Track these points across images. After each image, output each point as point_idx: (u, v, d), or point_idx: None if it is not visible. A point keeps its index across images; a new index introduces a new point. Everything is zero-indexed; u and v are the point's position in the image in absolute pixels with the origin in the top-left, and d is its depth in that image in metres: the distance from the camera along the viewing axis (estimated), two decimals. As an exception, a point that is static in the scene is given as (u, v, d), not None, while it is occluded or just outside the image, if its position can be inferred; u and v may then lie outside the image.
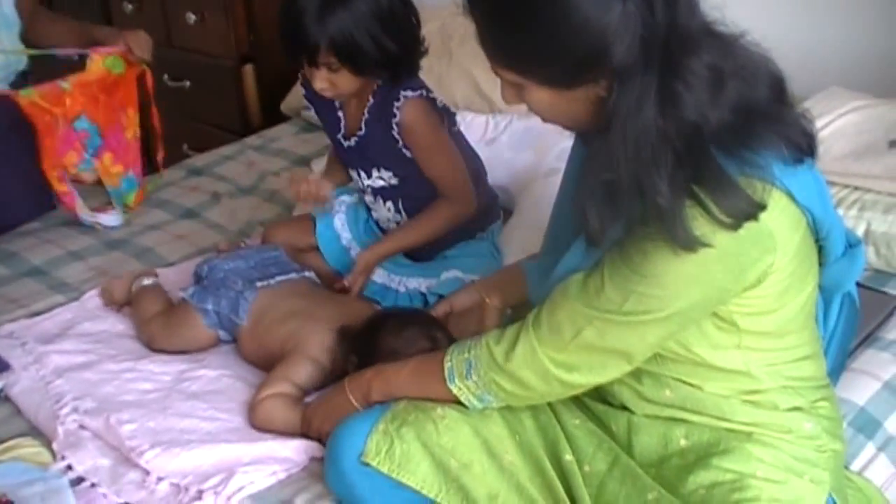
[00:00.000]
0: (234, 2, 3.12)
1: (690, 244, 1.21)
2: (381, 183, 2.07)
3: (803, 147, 1.31)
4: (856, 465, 1.58)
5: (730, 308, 1.32)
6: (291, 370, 1.75)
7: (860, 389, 1.70)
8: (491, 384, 1.42)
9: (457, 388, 1.45)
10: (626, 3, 1.17)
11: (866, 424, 1.64)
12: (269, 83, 3.22)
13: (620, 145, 1.20)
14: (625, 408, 1.45)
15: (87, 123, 2.41)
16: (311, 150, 2.79)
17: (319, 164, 2.49)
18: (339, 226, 2.19)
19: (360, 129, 2.02)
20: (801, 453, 1.38)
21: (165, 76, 3.39)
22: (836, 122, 2.17)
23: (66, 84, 2.33)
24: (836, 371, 1.58)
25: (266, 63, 3.23)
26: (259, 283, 1.91)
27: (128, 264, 2.29)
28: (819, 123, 2.14)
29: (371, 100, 1.98)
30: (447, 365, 1.46)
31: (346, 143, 2.07)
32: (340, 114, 2.07)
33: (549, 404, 1.51)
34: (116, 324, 2.04)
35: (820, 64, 2.43)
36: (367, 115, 2.00)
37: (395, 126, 1.95)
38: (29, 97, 2.30)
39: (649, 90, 1.18)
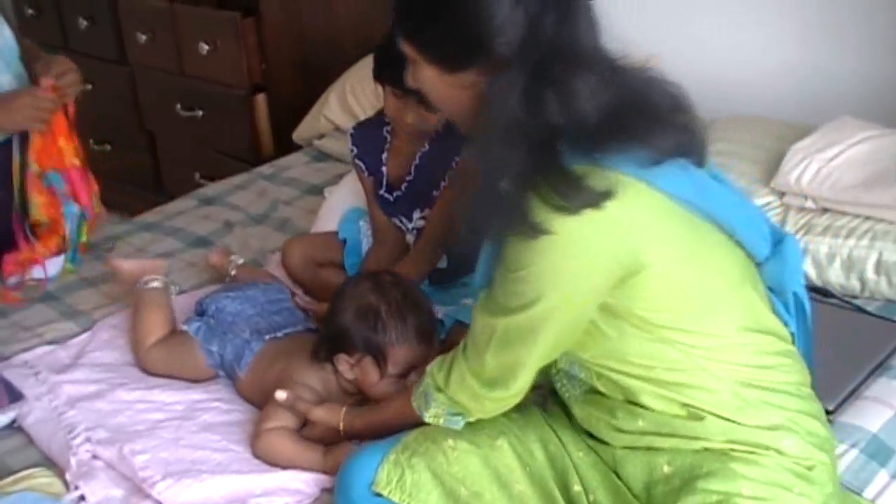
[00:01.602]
0: (247, 31, 3.15)
1: (530, 230, 1.27)
2: (424, 223, 2.12)
3: (687, 151, 1.37)
4: (869, 493, 1.58)
5: (628, 305, 1.34)
6: None
7: (872, 417, 1.70)
8: (447, 404, 1.47)
9: (432, 418, 1.50)
10: (519, 3, 1.27)
11: (879, 451, 1.64)
12: (281, 112, 3.24)
13: (482, 130, 1.32)
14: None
15: (54, 175, 2.28)
16: (322, 179, 2.80)
17: (332, 193, 2.51)
18: (366, 246, 2.25)
19: (410, 173, 2.09)
20: (785, 465, 1.37)
21: (178, 105, 3.42)
22: (848, 152, 2.17)
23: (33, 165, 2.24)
24: None
25: (278, 92, 3.25)
26: (267, 336, 1.91)
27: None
28: (830, 153, 2.16)
29: (426, 147, 2.06)
30: (415, 405, 1.52)
31: (390, 197, 2.14)
32: (384, 168, 2.14)
33: (558, 436, 1.52)
34: (127, 353, 2.04)
35: (832, 93, 2.45)
36: (417, 161, 2.08)
37: (448, 173, 2.03)
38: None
39: (516, 86, 1.28)
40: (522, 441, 1.51)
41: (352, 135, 2.20)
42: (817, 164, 2.13)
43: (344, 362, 1.76)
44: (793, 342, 1.49)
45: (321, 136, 3.03)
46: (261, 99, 3.25)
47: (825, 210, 2.13)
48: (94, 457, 1.70)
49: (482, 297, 1.41)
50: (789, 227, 2.11)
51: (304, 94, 3.13)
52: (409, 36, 1.39)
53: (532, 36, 1.28)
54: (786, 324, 1.48)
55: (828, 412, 1.66)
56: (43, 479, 1.65)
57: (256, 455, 1.70)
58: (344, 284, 1.86)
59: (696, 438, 1.38)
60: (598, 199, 1.26)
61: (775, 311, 1.47)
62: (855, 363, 1.82)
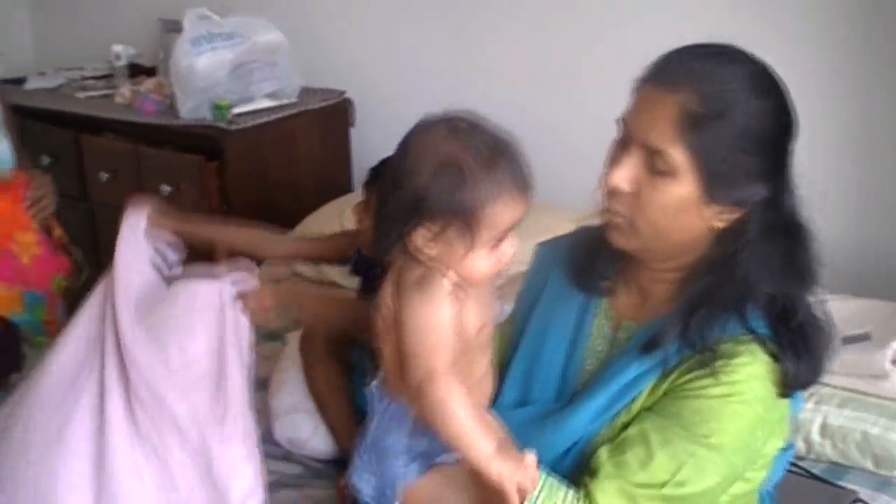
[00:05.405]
0: (209, 175, 3.18)
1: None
2: None
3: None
4: None
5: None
6: None
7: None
8: None
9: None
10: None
11: None
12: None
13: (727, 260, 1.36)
14: None
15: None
16: (276, 325, 2.80)
17: (293, 338, 2.51)
18: None
19: None
20: None
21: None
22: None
23: None
24: None
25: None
26: None
27: None
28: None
29: None
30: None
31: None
32: None
33: None
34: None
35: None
36: None
37: None
38: None
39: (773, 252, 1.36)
40: None
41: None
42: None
43: (421, 236, 1.33)
44: None
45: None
46: (220, 240, 3.26)
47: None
48: None
49: (607, 463, 1.31)
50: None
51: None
52: (697, 149, 1.31)
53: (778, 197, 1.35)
54: None
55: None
56: None
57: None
58: (409, 135, 1.38)
59: None
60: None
61: None
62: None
